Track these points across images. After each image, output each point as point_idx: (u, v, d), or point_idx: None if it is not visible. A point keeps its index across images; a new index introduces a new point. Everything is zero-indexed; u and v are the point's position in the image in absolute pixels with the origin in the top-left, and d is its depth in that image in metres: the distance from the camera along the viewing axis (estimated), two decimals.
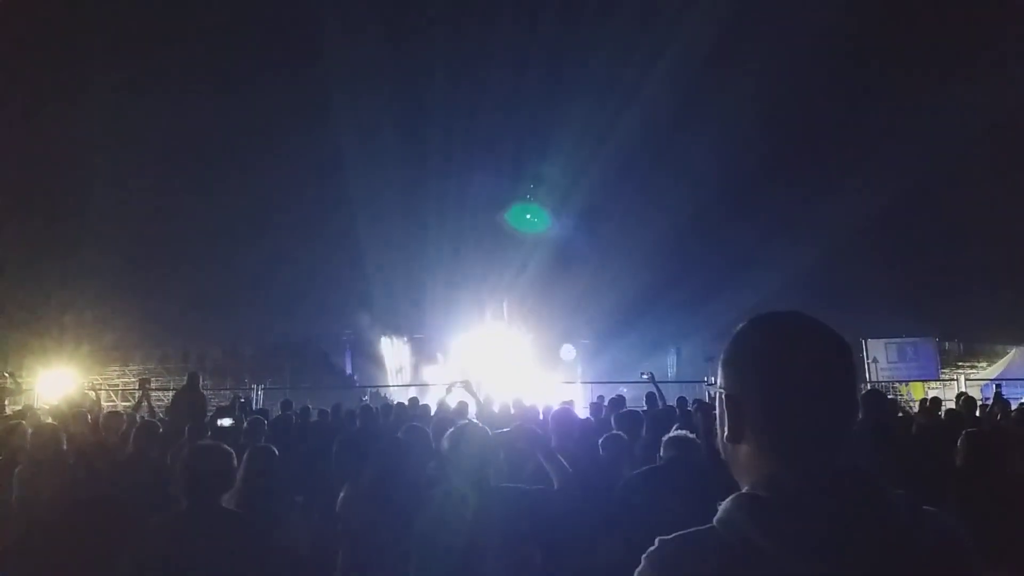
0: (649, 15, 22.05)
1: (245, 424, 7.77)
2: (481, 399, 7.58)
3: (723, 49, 22.31)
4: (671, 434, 4.26)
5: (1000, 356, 23.11)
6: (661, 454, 4.21)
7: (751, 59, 22.45)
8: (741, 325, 1.27)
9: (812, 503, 1.09)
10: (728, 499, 1.15)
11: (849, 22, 21.85)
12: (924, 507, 1.15)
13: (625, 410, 7.59)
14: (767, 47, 21.89)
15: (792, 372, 1.17)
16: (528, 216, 23.61)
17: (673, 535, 1.16)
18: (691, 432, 4.40)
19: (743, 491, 1.16)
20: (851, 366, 1.21)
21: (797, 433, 1.16)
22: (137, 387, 10.26)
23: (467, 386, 7.36)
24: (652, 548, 1.16)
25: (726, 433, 1.22)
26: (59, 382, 14.91)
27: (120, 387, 21.00)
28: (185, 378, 9.75)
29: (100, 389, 14.32)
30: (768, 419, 1.18)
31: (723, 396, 1.23)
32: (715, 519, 1.14)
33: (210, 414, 8.58)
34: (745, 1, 21.75)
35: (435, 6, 22.99)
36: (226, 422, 7.68)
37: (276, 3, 22.66)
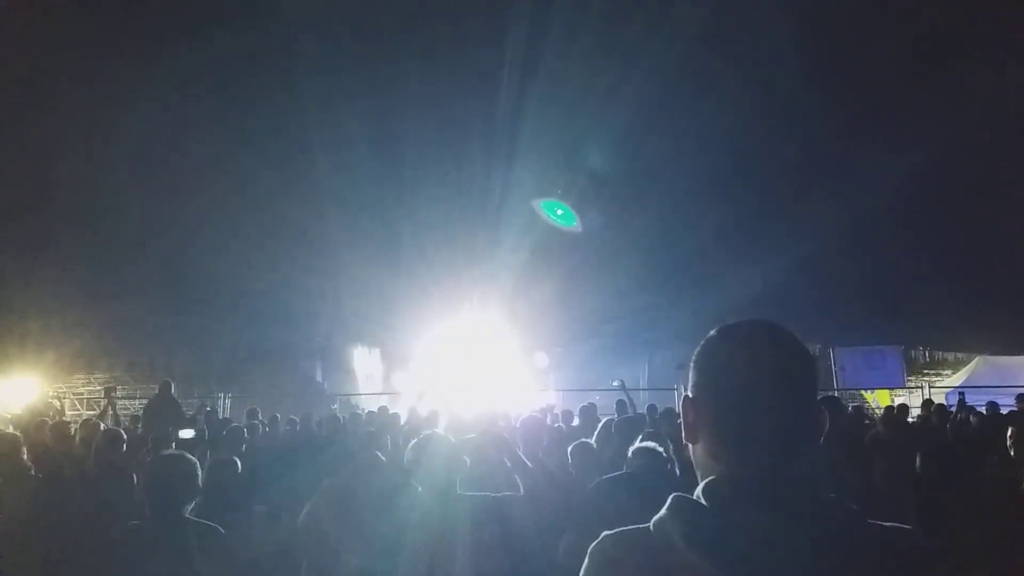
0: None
1: (207, 436, 7.70)
2: (448, 408, 7.58)
3: (695, 59, 22.52)
4: (638, 444, 4.28)
5: (964, 364, 23.54)
6: (628, 461, 4.23)
7: (721, 70, 22.66)
8: (711, 331, 1.29)
9: (736, 511, 1.10)
10: (668, 500, 1.17)
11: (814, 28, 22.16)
12: (871, 520, 1.12)
13: (626, 416, 7.64)
14: (738, 62, 22.14)
15: (740, 377, 1.19)
16: (559, 212, 23.76)
17: (615, 531, 1.19)
18: (657, 438, 4.43)
19: (680, 494, 1.18)
20: (807, 377, 1.22)
21: (741, 437, 1.17)
22: (103, 395, 10.10)
23: (436, 395, 7.36)
24: (595, 541, 1.19)
25: (683, 432, 1.25)
26: (21, 390, 14.63)
27: (85, 395, 20.66)
28: (155, 387, 9.63)
29: (64, 397, 14.08)
30: (715, 421, 1.20)
31: (684, 397, 1.26)
32: (653, 518, 1.16)
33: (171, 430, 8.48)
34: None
35: None
36: (187, 434, 7.57)
37: (254, 4, 22.49)
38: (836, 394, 18.21)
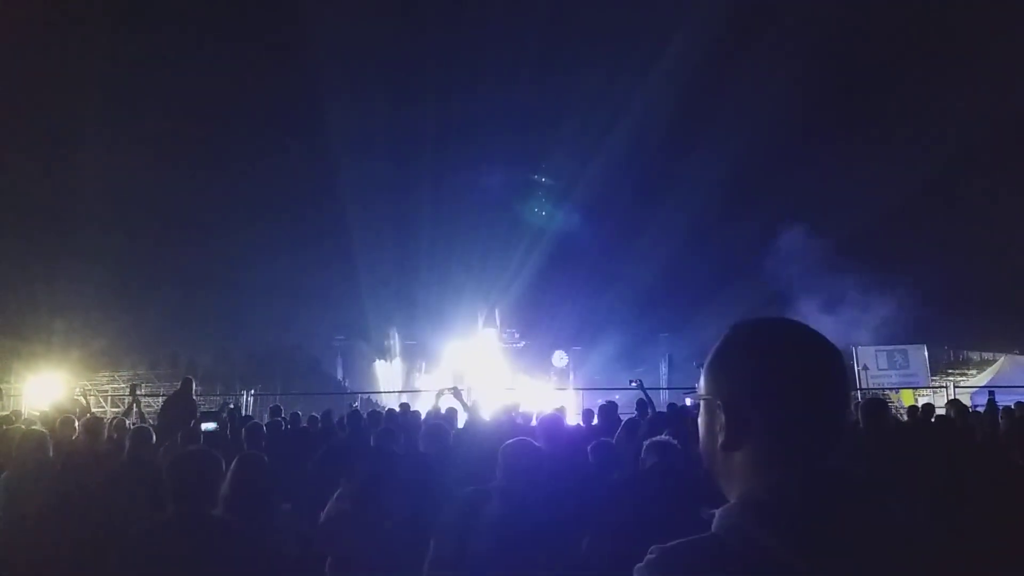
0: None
1: (229, 430, 7.74)
2: (469, 406, 7.57)
3: (720, 58, 22.42)
4: (652, 439, 4.26)
5: (989, 364, 23.20)
6: (643, 457, 4.20)
7: (745, 64, 22.54)
8: (729, 331, 1.25)
9: (818, 505, 1.09)
10: (727, 506, 1.15)
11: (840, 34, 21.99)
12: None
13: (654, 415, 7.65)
14: (764, 57, 22.01)
15: (792, 376, 1.17)
16: (536, 209, 23.75)
17: (672, 543, 1.13)
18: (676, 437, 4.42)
19: (739, 499, 1.15)
20: (844, 370, 1.21)
21: (798, 438, 1.16)
22: (127, 393, 10.20)
23: (456, 393, 7.36)
24: (651, 556, 1.13)
25: (721, 441, 1.19)
26: (48, 387, 14.82)
27: (110, 393, 20.88)
28: (177, 384, 9.68)
29: (90, 394, 14.23)
30: (770, 425, 1.16)
31: (718, 404, 1.20)
32: (715, 526, 1.13)
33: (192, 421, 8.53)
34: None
35: None
36: (210, 426, 7.64)
37: (268, 3, 22.65)
38: (859, 394, 18.04)
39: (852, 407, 1.27)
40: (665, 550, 1.12)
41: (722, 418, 1.19)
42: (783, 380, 1.17)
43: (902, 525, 1.10)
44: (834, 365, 1.20)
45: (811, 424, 1.16)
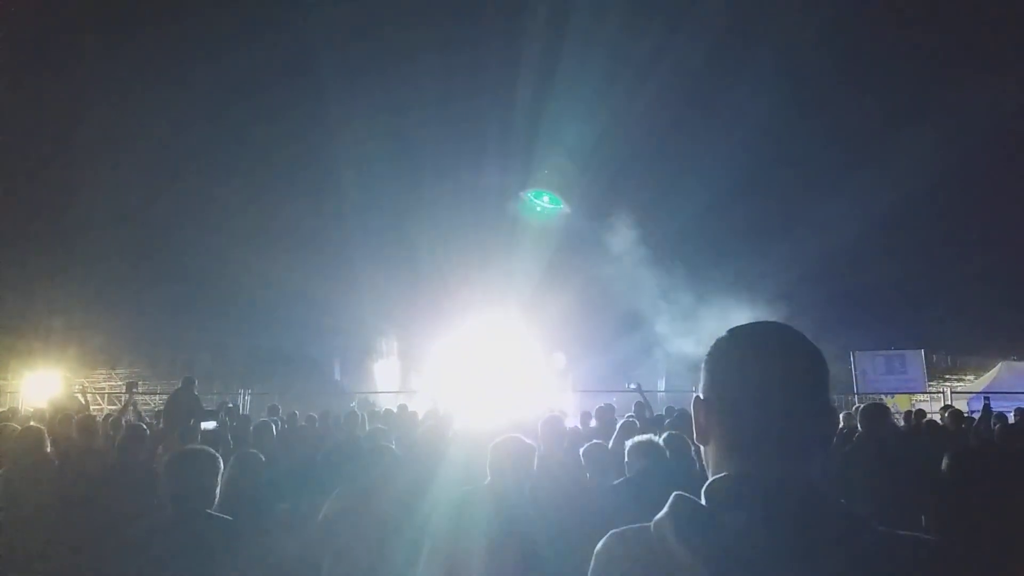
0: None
1: (229, 431, 7.75)
2: (442, 411, 7.60)
3: (719, 60, 22.45)
4: (636, 439, 4.18)
5: (987, 369, 23.24)
6: (627, 461, 4.13)
7: (749, 62, 22.56)
8: (723, 333, 1.30)
9: (731, 512, 1.10)
10: (670, 498, 1.18)
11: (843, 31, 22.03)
12: (886, 530, 1.10)
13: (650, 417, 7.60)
14: (764, 57, 22.03)
15: (746, 378, 1.20)
16: (545, 198, 23.75)
17: (621, 528, 1.21)
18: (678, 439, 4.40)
19: (681, 493, 1.18)
20: (815, 379, 1.21)
21: (746, 438, 1.18)
22: (124, 391, 10.21)
23: (450, 398, 7.38)
24: (601, 540, 1.21)
25: (696, 433, 1.26)
26: (45, 385, 14.82)
27: (107, 390, 20.87)
28: (175, 382, 9.69)
29: (87, 392, 14.26)
30: (722, 422, 1.21)
31: (695, 398, 1.27)
32: (658, 515, 1.17)
33: (191, 423, 8.54)
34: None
35: None
36: (209, 425, 7.67)
37: (267, 7, 22.66)
38: (856, 399, 18.06)
39: (831, 413, 1.25)
40: (614, 533, 1.21)
41: (699, 412, 1.26)
42: (739, 379, 1.21)
43: (829, 543, 1.06)
44: (801, 369, 1.20)
45: (761, 426, 1.17)
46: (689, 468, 4.11)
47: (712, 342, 1.30)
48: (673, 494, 1.17)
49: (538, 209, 23.92)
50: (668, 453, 4.11)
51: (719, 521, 1.09)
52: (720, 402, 1.22)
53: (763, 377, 1.19)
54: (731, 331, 1.28)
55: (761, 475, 1.14)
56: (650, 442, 4.05)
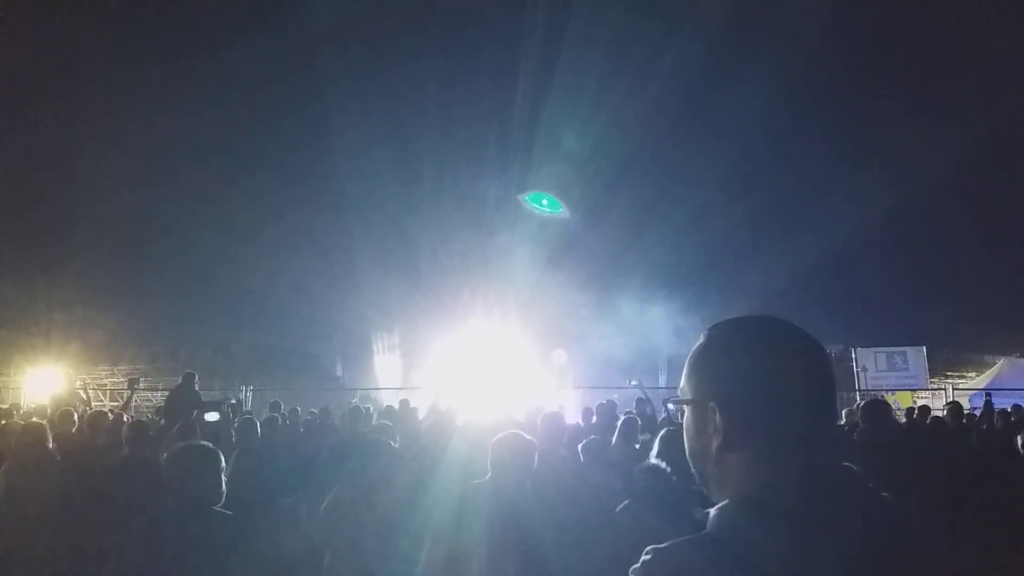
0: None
1: (235, 424, 7.74)
2: (443, 407, 7.58)
3: (720, 57, 22.40)
4: (643, 464, 4.08)
5: (989, 366, 23.24)
6: (630, 486, 4.00)
7: (749, 62, 22.51)
8: (712, 332, 1.25)
9: (814, 502, 1.09)
10: (721, 505, 1.14)
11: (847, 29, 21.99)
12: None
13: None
14: (766, 57, 21.99)
15: (783, 374, 1.17)
16: (544, 201, 23.79)
17: (667, 544, 1.13)
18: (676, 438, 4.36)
19: (733, 498, 1.14)
20: (830, 366, 1.22)
21: (791, 435, 1.16)
22: (126, 387, 10.21)
23: (451, 392, 7.37)
24: (646, 558, 1.12)
25: (718, 443, 1.18)
26: (47, 381, 14.83)
27: (109, 387, 20.89)
28: (177, 378, 9.69)
29: (89, 388, 14.26)
30: (764, 423, 1.16)
31: (711, 406, 1.19)
32: (709, 525, 1.13)
33: (195, 413, 8.54)
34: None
35: None
36: (213, 417, 7.65)
37: (269, 7, 22.67)
38: (858, 395, 18.06)
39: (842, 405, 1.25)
40: (660, 550, 1.12)
41: (717, 419, 1.18)
42: (774, 378, 1.17)
43: (898, 521, 1.11)
44: (821, 361, 1.21)
45: (803, 421, 1.15)
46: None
47: (708, 342, 1.24)
48: (728, 501, 1.14)
49: (538, 212, 23.93)
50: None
51: (812, 513, 1.07)
52: (759, 404, 1.16)
53: (799, 374, 1.17)
54: (731, 329, 1.24)
55: (815, 469, 1.12)
56: (654, 467, 3.89)
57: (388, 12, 22.02)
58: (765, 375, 1.17)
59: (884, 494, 1.14)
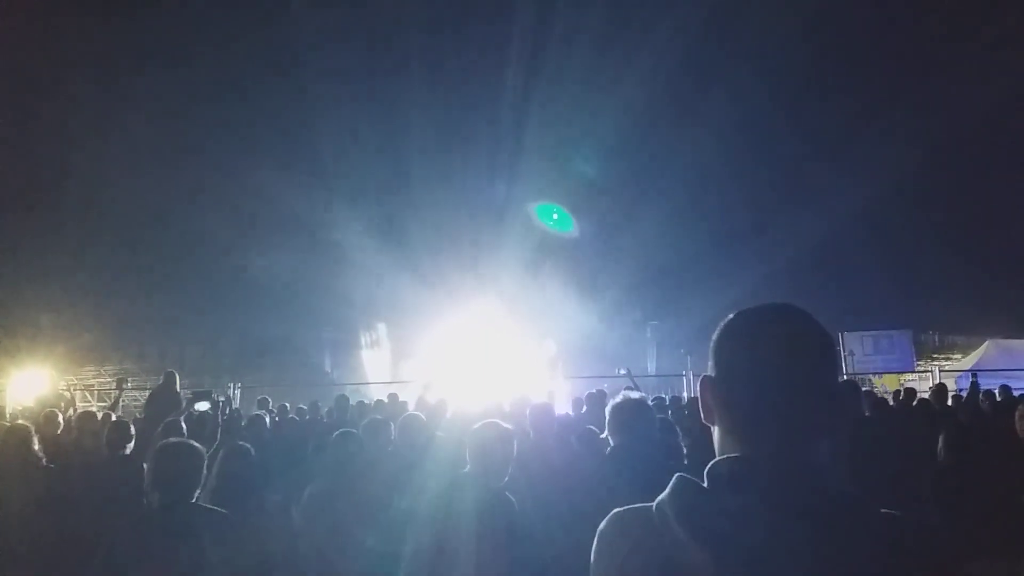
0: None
1: (223, 418, 7.72)
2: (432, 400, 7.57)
3: (699, 56, 22.48)
4: (616, 402, 3.75)
5: (974, 348, 23.39)
6: (607, 437, 3.81)
7: (735, 59, 22.58)
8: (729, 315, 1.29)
9: (732, 494, 1.09)
10: (677, 475, 1.17)
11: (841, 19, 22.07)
12: (884, 510, 1.10)
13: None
14: (751, 49, 22.06)
15: (749, 359, 1.18)
16: (554, 216, 23.83)
17: (624, 508, 1.20)
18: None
19: (683, 474, 1.17)
20: (823, 360, 1.20)
21: (749, 420, 1.17)
22: (114, 387, 10.15)
23: (440, 385, 7.34)
24: (608, 516, 1.21)
25: (702, 415, 1.25)
26: (32, 382, 14.70)
27: (96, 387, 20.75)
28: (161, 377, 9.63)
29: (76, 389, 14.15)
30: (727, 403, 1.20)
31: (702, 378, 1.25)
32: (664, 493, 1.16)
33: (187, 398, 8.49)
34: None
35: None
36: (203, 406, 7.61)
37: (264, 6, 22.57)
38: (845, 379, 18.15)
39: (840, 396, 1.25)
40: (617, 512, 1.20)
41: (708, 394, 1.24)
42: (741, 361, 1.19)
43: (831, 525, 1.05)
44: (803, 348, 1.19)
45: (763, 407, 1.16)
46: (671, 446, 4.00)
47: (710, 327, 1.28)
48: (675, 476, 1.16)
49: (548, 225, 23.98)
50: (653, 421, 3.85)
51: (720, 504, 1.08)
52: (725, 383, 1.20)
53: (768, 359, 1.17)
54: (739, 312, 1.26)
55: (763, 458, 1.12)
56: (633, 410, 3.63)
57: (392, 16, 22.04)
58: (741, 358, 1.20)
59: (842, 496, 1.10)
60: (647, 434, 3.60)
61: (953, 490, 4.01)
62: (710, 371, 1.24)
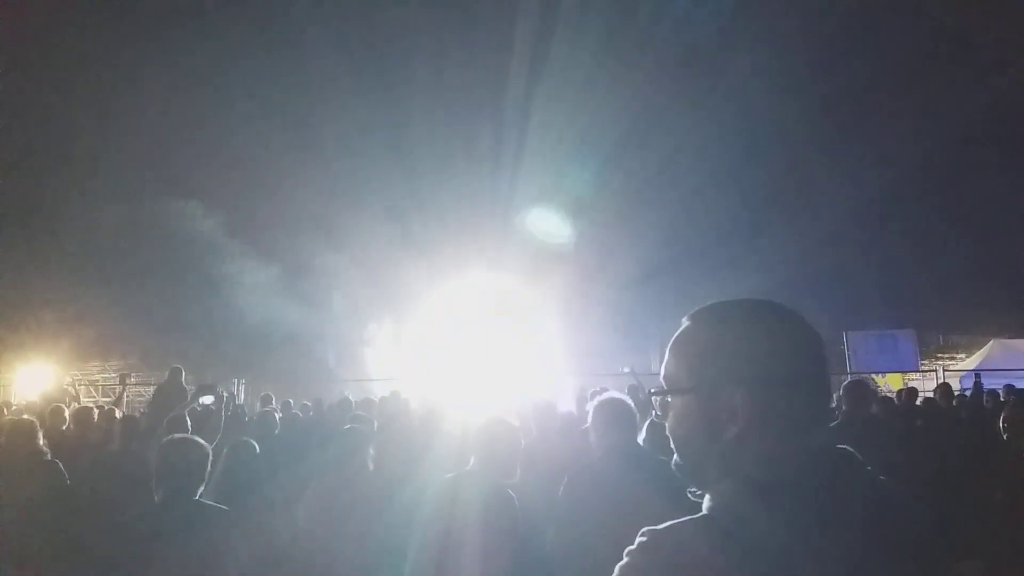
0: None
1: (227, 413, 7.72)
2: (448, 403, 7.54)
3: (701, 54, 22.44)
4: (602, 399, 3.72)
5: (979, 347, 23.34)
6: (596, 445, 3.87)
7: (738, 58, 22.55)
8: (699, 317, 1.28)
9: (815, 482, 1.09)
10: (719, 488, 1.15)
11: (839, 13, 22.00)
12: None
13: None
14: (752, 53, 22.01)
15: (799, 357, 1.19)
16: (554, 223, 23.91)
17: (665, 525, 1.12)
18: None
19: (732, 480, 1.14)
20: (824, 346, 1.22)
21: (801, 418, 1.16)
22: (118, 382, 10.17)
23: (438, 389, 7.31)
24: (642, 540, 1.12)
25: (737, 428, 1.16)
26: (38, 377, 14.75)
27: (100, 382, 20.80)
28: (166, 372, 9.65)
29: (80, 384, 14.18)
30: (764, 407, 1.15)
31: (706, 389, 1.19)
32: (707, 507, 1.14)
33: (191, 392, 8.51)
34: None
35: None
36: (208, 399, 7.61)
37: (260, 7, 22.59)
38: (849, 378, 18.12)
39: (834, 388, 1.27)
40: (657, 532, 1.12)
41: (737, 403, 1.16)
42: (791, 359, 1.18)
43: (895, 503, 1.11)
44: (820, 341, 1.21)
45: (810, 401, 1.16)
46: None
47: (690, 327, 1.26)
48: (729, 482, 1.14)
49: (547, 231, 24.01)
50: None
51: (811, 492, 1.08)
52: (757, 387, 1.15)
53: (795, 356, 1.18)
54: (753, 311, 1.24)
55: (810, 450, 1.13)
56: (619, 411, 3.55)
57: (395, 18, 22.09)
58: (783, 356, 1.17)
59: (881, 477, 1.15)
60: (634, 430, 3.60)
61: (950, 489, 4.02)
62: (718, 379, 1.18)
